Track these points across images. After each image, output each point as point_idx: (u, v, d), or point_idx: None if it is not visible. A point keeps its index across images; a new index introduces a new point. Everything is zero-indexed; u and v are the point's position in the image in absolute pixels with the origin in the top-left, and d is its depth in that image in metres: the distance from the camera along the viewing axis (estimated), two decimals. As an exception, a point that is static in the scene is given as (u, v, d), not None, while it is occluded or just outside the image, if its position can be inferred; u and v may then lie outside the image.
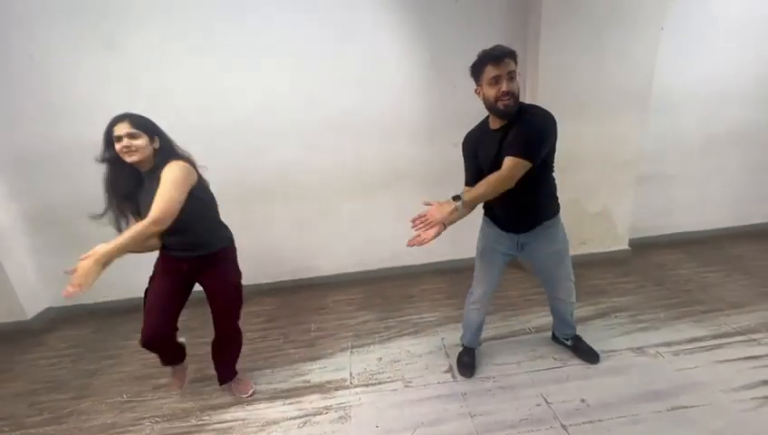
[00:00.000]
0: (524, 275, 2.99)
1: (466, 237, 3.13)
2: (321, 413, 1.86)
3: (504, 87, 1.45)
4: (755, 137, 3.13)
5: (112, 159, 1.54)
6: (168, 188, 1.46)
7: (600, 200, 2.94)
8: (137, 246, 1.40)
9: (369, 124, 2.78)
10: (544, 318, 2.38)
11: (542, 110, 1.54)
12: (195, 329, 2.63)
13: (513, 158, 1.46)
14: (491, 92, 1.48)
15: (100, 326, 2.80)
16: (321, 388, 2.02)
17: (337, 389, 2.00)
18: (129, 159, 1.51)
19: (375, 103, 2.73)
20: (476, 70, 1.51)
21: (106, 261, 1.29)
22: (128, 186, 1.60)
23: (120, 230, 1.60)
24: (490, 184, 1.48)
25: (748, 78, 2.96)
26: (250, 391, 2.02)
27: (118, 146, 1.50)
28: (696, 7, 2.73)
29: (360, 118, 2.75)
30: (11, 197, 2.72)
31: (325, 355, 2.27)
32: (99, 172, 2.59)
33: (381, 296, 2.86)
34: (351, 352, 2.28)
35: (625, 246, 3.11)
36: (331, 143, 2.79)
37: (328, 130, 2.75)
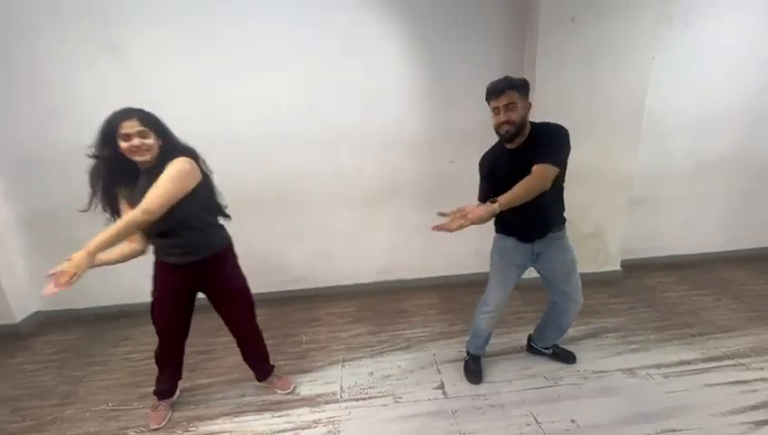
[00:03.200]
0: (517, 294, 2.99)
1: (460, 253, 3.18)
2: (309, 427, 1.84)
3: (501, 117, 1.63)
4: (743, 164, 3.21)
5: (112, 156, 1.47)
6: (166, 181, 1.44)
7: (592, 221, 2.98)
8: (125, 237, 1.40)
9: (369, 138, 2.83)
10: (536, 337, 2.39)
11: (556, 124, 1.68)
12: (185, 338, 2.61)
13: (543, 164, 1.56)
14: (494, 121, 1.68)
15: (88, 332, 2.76)
16: (310, 401, 2.00)
17: (327, 402, 1.98)
18: (139, 158, 1.46)
19: (375, 118, 2.78)
20: (486, 100, 1.69)
21: (96, 251, 1.32)
22: (123, 182, 1.55)
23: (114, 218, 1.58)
24: (524, 186, 1.53)
25: (735, 106, 3.05)
26: (291, 387, 2.06)
27: (125, 145, 1.43)
28: (685, 37, 2.83)
29: (360, 132, 2.79)
30: (6, 198, 2.71)
31: (316, 368, 2.25)
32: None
33: (374, 310, 2.86)
34: (343, 365, 2.27)
35: (617, 267, 3.14)
36: (330, 156, 2.82)
37: (327, 143, 2.79)
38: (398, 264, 3.16)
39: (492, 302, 1.96)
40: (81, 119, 2.57)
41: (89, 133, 2.72)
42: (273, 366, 2.10)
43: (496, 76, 2.72)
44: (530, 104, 1.68)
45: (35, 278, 2.86)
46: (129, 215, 1.39)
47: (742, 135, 3.14)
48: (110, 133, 1.44)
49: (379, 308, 2.88)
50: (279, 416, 1.91)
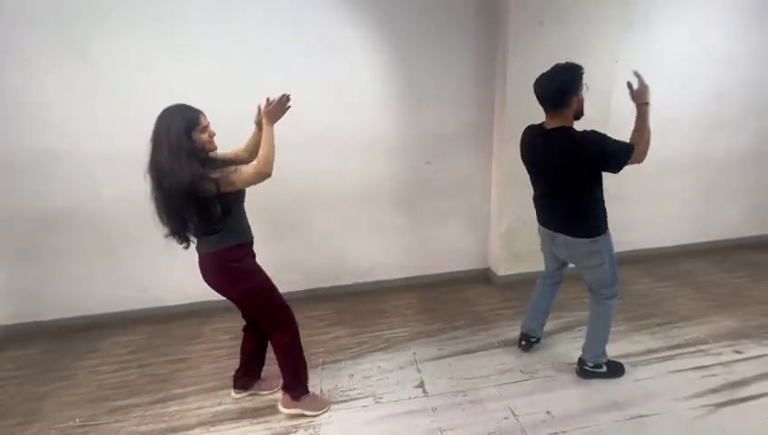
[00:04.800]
0: (493, 290, 3.07)
1: (438, 253, 3.22)
2: (289, 432, 1.81)
3: None
4: (701, 163, 3.40)
5: (195, 150, 1.47)
6: None
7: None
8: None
9: (346, 141, 2.82)
10: (514, 332, 2.44)
11: None
12: (158, 347, 2.52)
13: None
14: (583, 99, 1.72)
15: (53, 346, 2.62)
16: (290, 406, 1.97)
17: (307, 407, 1.96)
18: (214, 147, 1.56)
19: (352, 121, 2.77)
20: (579, 82, 1.71)
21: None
22: None
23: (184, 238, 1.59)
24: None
25: (692, 109, 3.23)
26: (272, 390, 2.06)
27: (205, 136, 1.50)
28: (645, 43, 2.98)
29: (337, 134, 2.77)
30: (-41, 206, 2.54)
31: (295, 372, 2.23)
32: (54, 184, 2.54)
33: (353, 312, 2.85)
34: (323, 368, 2.25)
35: (588, 263, 3.26)
36: (307, 158, 2.79)
37: (303, 146, 2.76)
38: (377, 265, 3.16)
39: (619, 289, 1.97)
40: (43, 122, 2.46)
41: (47, 140, 2.60)
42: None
43: (470, 79, 2.85)
44: None
45: (-8, 290, 2.70)
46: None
47: (699, 136, 3.33)
48: (191, 128, 1.47)
49: (359, 310, 2.88)
50: (258, 423, 1.88)
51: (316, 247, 3.01)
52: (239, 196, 1.65)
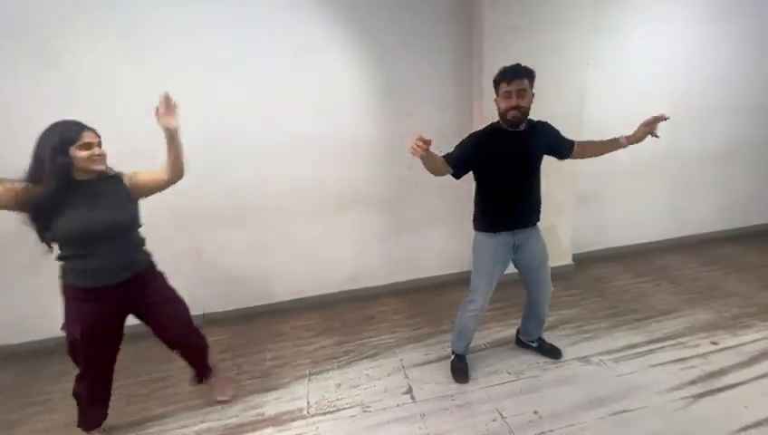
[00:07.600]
0: (479, 293, 3.08)
1: (423, 257, 3.22)
2: (276, 447, 1.78)
3: (512, 102, 1.69)
4: (673, 161, 3.52)
5: (66, 166, 1.44)
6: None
7: (546, 219, 3.13)
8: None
9: (328, 148, 2.81)
10: (499, 334, 2.47)
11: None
12: (136, 366, 2.43)
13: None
14: (503, 105, 1.72)
15: (23, 370, 2.50)
16: (276, 420, 1.93)
17: (293, 420, 1.92)
18: (98, 167, 1.49)
19: (332, 128, 2.77)
20: (495, 85, 1.75)
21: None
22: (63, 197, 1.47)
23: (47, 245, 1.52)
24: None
25: (664, 107, 3.30)
26: (229, 396, 2.04)
27: (85, 153, 1.44)
28: (615, 46, 3.08)
29: (318, 142, 2.77)
30: None
31: (281, 385, 2.18)
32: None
33: (340, 320, 2.82)
34: (309, 379, 2.21)
35: (569, 261, 3.32)
36: (288, 167, 2.77)
37: (285, 154, 2.74)
38: (363, 271, 3.15)
39: (479, 300, 1.98)
40: (11, 134, 2.35)
41: (20, 150, 2.48)
42: (211, 368, 2.06)
43: (448, 85, 2.88)
44: (534, 94, 1.75)
45: (-43, 314, 2.56)
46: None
47: (671, 134, 3.45)
48: (68, 143, 1.43)
49: (345, 317, 2.85)
50: (243, 439, 1.83)
51: (300, 256, 2.98)
52: (57, 234, 1.47)
